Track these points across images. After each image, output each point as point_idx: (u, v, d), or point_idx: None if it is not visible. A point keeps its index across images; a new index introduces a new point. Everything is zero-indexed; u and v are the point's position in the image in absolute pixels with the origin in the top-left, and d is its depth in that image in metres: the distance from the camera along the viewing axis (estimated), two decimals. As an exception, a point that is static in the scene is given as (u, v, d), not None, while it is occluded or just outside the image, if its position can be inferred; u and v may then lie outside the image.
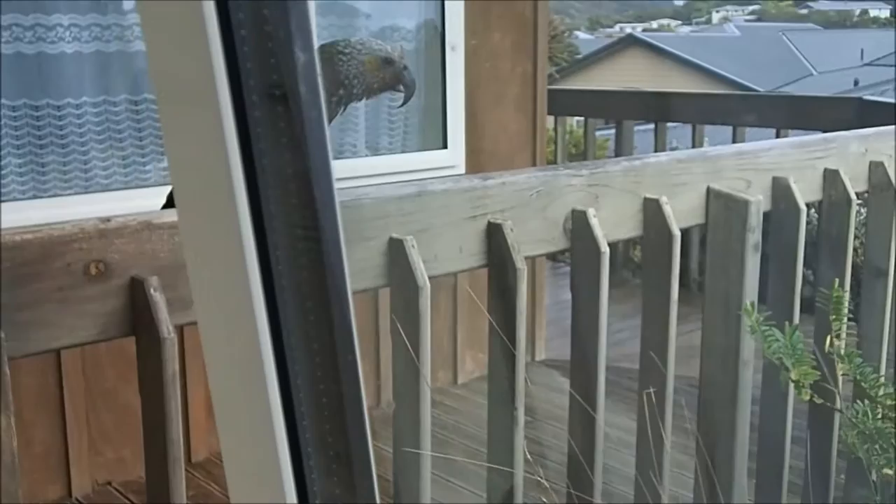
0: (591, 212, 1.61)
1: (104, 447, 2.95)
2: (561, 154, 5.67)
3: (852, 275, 2.13)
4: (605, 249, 1.61)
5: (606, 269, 1.62)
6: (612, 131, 5.82)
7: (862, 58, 27.59)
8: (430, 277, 1.42)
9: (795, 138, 2.72)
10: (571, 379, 1.71)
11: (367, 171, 3.28)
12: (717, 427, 1.86)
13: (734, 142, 4.68)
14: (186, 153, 0.52)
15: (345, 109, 1.68)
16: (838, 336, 1.69)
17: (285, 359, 0.54)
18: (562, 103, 5.47)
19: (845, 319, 1.72)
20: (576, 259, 1.66)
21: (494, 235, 1.52)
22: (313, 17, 0.51)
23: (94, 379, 2.89)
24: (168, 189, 1.63)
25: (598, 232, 1.61)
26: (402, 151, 3.58)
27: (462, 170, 3.63)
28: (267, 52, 0.48)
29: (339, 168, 0.52)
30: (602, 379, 1.66)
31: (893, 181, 2.16)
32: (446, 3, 3.53)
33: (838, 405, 1.80)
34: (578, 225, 1.62)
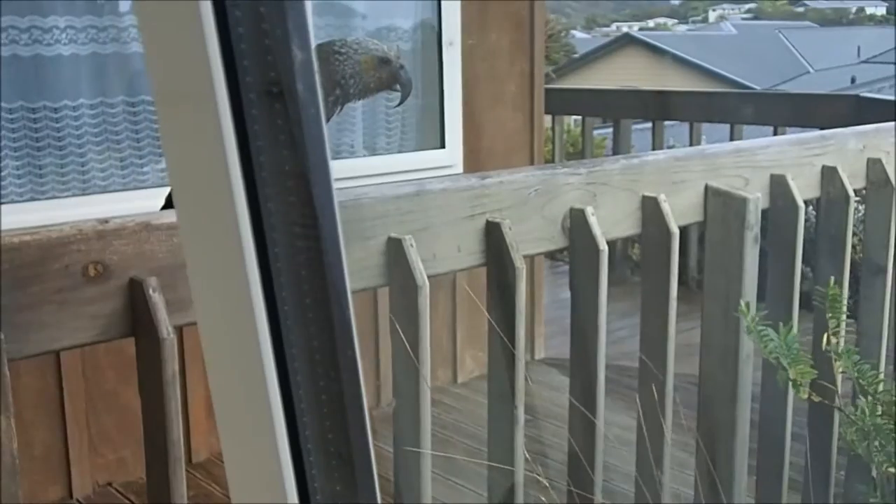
0: (589, 210, 1.61)
1: (104, 448, 2.95)
2: (559, 153, 5.68)
3: (851, 271, 2.13)
4: (604, 247, 1.61)
5: (605, 267, 1.62)
6: (610, 130, 5.82)
7: (859, 55, 27.63)
8: (429, 277, 1.42)
9: (793, 136, 2.72)
10: (571, 377, 1.71)
11: (365, 171, 3.28)
12: (718, 424, 1.86)
13: (732, 140, 4.68)
14: (184, 151, 0.52)
15: (342, 109, 1.68)
16: (836, 333, 1.69)
17: (285, 357, 0.54)
18: (559, 102, 5.47)
19: (844, 317, 1.72)
20: (574, 257, 1.66)
21: (493, 234, 1.52)
22: (310, 16, 0.51)
23: (94, 380, 2.89)
24: (166, 191, 1.63)
25: (597, 230, 1.61)
26: (400, 151, 3.58)
27: (460, 169, 3.63)
28: (264, 50, 0.48)
29: (337, 168, 0.51)
30: (602, 377, 1.66)
31: (891, 178, 2.16)
32: (443, 2, 3.53)
33: (837, 403, 1.80)
34: (577, 223, 1.62)
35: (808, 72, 26.95)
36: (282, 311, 0.53)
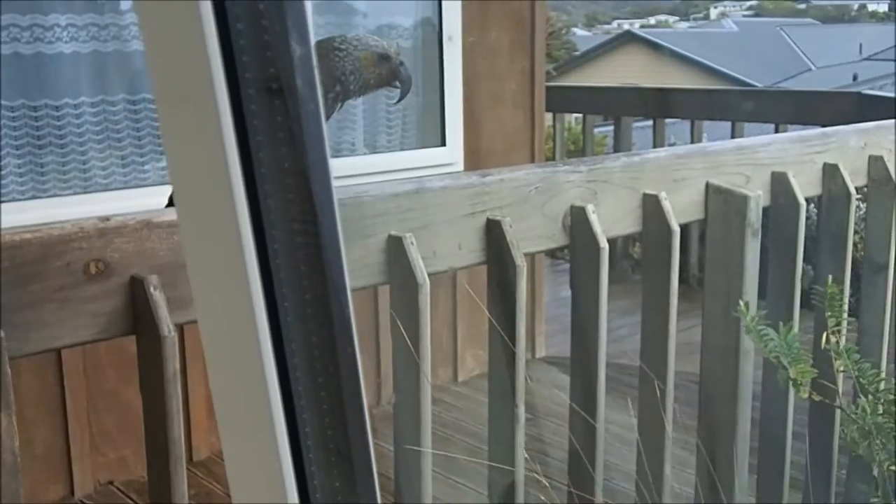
0: (590, 208, 1.61)
1: (106, 447, 2.95)
2: (559, 151, 5.67)
3: (852, 269, 2.13)
4: (605, 245, 1.61)
5: (606, 264, 1.62)
6: (611, 128, 5.82)
7: (860, 52, 27.61)
8: (429, 274, 1.42)
9: (794, 133, 2.71)
10: (572, 375, 1.71)
11: (366, 169, 3.27)
12: (718, 423, 1.86)
13: (733, 137, 4.68)
14: (184, 149, 0.52)
15: (342, 106, 1.68)
16: (836, 332, 1.69)
17: (285, 355, 0.54)
18: (560, 100, 5.47)
19: (844, 315, 1.72)
20: (575, 255, 1.66)
21: (493, 232, 1.52)
22: (310, 12, 0.51)
23: (95, 378, 2.89)
24: (168, 189, 1.63)
25: (598, 228, 1.61)
26: (401, 149, 3.58)
27: (460, 167, 3.63)
28: (263, 46, 0.48)
29: (338, 166, 0.51)
30: (602, 375, 1.66)
31: (893, 175, 2.15)
32: (443, 0, 3.53)
33: (838, 401, 1.80)
34: (577, 221, 1.62)
35: (810, 69, 26.92)
36: (281, 309, 0.53)
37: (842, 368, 1.69)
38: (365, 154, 3.52)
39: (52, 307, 1.12)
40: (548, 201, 1.60)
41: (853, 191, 2.05)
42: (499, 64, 3.78)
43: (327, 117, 1.66)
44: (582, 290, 1.67)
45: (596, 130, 6.37)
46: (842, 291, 1.79)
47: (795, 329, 1.66)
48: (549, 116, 5.04)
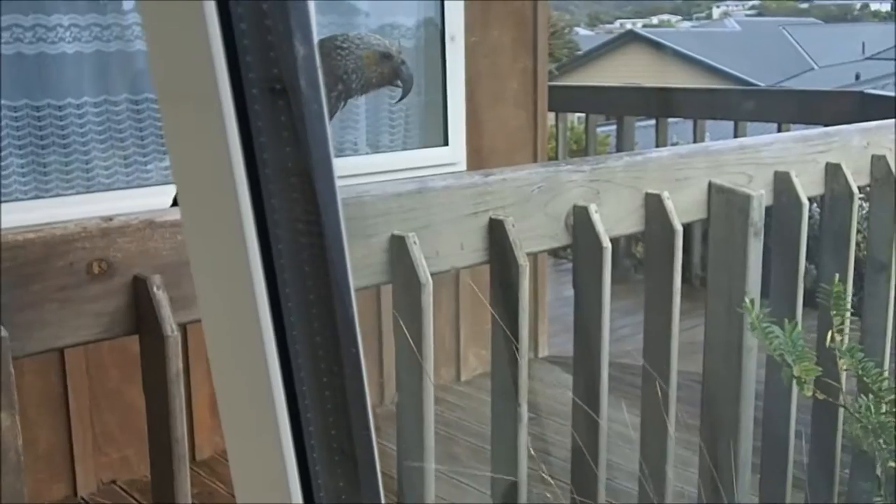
0: (592, 207, 1.61)
1: (108, 446, 2.95)
2: (562, 150, 5.67)
3: (855, 268, 2.13)
4: (607, 245, 1.61)
5: (608, 264, 1.62)
6: (614, 127, 5.82)
7: (863, 52, 27.56)
8: (431, 274, 1.42)
9: (797, 132, 2.71)
10: (574, 375, 1.71)
11: (368, 168, 3.28)
12: (721, 422, 1.86)
13: (735, 136, 4.67)
14: (187, 148, 0.52)
15: (345, 104, 1.68)
16: (840, 331, 1.69)
17: (288, 355, 0.54)
18: (563, 100, 5.47)
19: (847, 314, 1.72)
20: (578, 255, 1.66)
21: (496, 232, 1.52)
22: (313, 13, 0.51)
23: (98, 378, 2.90)
24: (172, 188, 1.63)
25: (600, 227, 1.61)
26: (403, 149, 3.58)
27: (463, 167, 3.63)
28: (267, 46, 0.48)
29: (341, 166, 0.51)
30: (605, 375, 1.66)
31: (895, 174, 2.15)
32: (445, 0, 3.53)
33: (841, 400, 1.80)
34: (580, 220, 1.62)
35: (813, 68, 26.89)
36: (285, 309, 0.53)
37: (846, 367, 1.69)
38: (367, 154, 3.52)
39: (54, 307, 1.12)
40: (550, 201, 1.60)
41: (856, 190, 2.05)
42: (501, 63, 3.78)
43: (330, 116, 1.66)
44: (584, 289, 1.66)
45: (599, 130, 6.37)
46: (845, 290, 1.78)
47: (799, 327, 1.66)
48: (551, 116, 5.04)
